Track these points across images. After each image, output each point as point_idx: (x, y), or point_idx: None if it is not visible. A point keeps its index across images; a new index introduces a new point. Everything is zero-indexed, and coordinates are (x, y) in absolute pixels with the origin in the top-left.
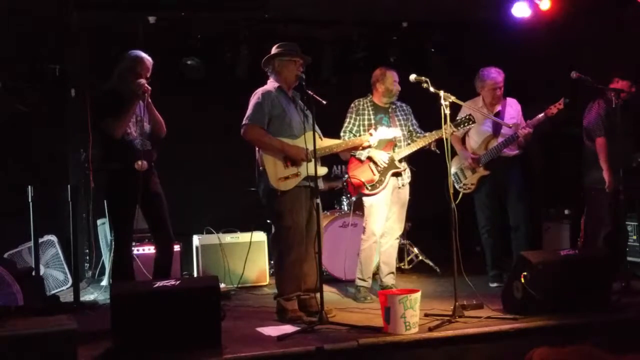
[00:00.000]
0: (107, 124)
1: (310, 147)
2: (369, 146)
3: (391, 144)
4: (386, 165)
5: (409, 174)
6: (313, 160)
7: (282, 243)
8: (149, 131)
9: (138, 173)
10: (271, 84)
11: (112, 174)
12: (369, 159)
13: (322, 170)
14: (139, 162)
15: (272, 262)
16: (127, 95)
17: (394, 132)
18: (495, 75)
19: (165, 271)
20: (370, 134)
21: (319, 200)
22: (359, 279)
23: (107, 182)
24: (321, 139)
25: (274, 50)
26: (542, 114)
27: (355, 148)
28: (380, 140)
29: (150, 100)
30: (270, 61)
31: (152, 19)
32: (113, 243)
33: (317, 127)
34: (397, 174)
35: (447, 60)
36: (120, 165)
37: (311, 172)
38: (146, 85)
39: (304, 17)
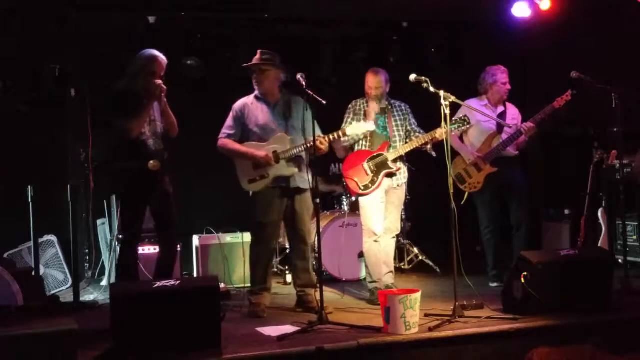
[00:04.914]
0: (122, 124)
1: (279, 150)
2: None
3: (386, 144)
4: (378, 164)
5: (406, 174)
6: (282, 161)
7: (251, 239)
8: (161, 131)
9: (151, 173)
10: (251, 95)
11: (126, 174)
12: (364, 159)
13: (289, 171)
14: (152, 162)
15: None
16: (142, 95)
17: (366, 126)
18: (503, 70)
19: (169, 271)
20: (344, 133)
21: (318, 200)
22: (369, 282)
23: (120, 182)
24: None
25: (255, 58)
26: (550, 106)
27: (319, 150)
28: (376, 139)
29: (166, 100)
30: (251, 69)
31: (152, 19)
32: (119, 242)
33: (317, 128)
34: (391, 175)
35: (447, 60)
36: (134, 165)
37: (281, 173)
38: (162, 85)
39: (304, 17)
